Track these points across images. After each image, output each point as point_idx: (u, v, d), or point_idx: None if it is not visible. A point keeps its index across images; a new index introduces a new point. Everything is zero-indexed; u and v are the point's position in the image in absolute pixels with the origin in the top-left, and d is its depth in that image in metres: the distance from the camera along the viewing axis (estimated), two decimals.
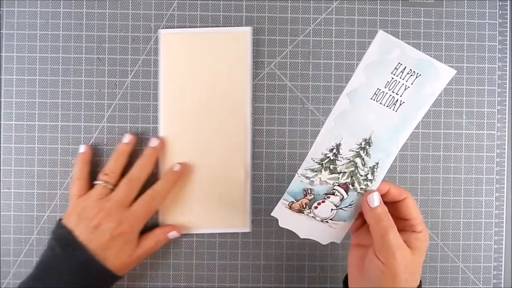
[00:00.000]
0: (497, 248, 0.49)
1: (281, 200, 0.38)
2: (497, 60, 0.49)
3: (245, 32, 0.47)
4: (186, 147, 0.46)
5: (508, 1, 0.49)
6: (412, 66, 0.34)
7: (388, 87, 0.34)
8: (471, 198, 0.49)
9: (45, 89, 0.47)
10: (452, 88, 0.49)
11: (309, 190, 0.37)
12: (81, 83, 0.48)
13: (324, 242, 0.39)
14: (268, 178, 0.48)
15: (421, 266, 0.37)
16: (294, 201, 0.37)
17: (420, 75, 0.34)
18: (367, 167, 0.36)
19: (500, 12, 0.49)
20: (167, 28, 0.48)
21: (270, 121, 0.48)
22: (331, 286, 0.48)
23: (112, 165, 0.44)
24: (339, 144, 0.35)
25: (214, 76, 0.47)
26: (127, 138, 0.45)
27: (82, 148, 0.46)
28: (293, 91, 0.48)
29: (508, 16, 0.49)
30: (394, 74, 0.34)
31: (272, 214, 0.38)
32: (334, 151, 0.35)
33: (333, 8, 0.48)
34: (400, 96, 0.34)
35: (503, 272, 0.49)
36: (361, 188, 0.36)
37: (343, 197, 0.37)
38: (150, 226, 0.46)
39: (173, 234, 0.45)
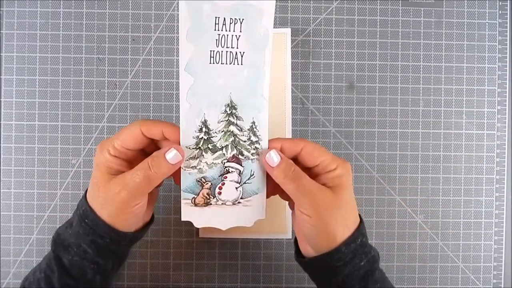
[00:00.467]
0: (497, 248, 0.49)
1: (182, 201, 0.35)
2: (497, 60, 0.49)
3: (284, 33, 0.47)
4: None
5: (508, 1, 0.49)
6: (230, 14, 0.32)
7: (220, 45, 0.32)
8: (471, 198, 0.49)
9: (45, 89, 0.47)
10: (452, 88, 0.49)
11: (202, 179, 0.34)
12: (81, 83, 0.48)
13: (249, 224, 0.36)
14: None
15: (351, 202, 0.34)
16: (195, 196, 0.35)
17: (243, 19, 0.32)
18: (245, 130, 0.34)
19: (500, 12, 0.49)
20: (167, 28, 0.48)
21: None
22: None
23: None
24: (205, 121, 0.33)
25: None
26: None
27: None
28: (293, 91, 0.48)
29: (508, 16, 0.49)
30: (218, 30, 0.32)
31: (182, 219, 0.35)
32: (204, 129, 0.33)
33: (333, 8, 0.48)
34: (237, 48, 0.32)
35: (503, 272, 0.49)
36: (252, 154, 0.34)
37: (240, 171, 0.34)
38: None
39: (173, 153, 0.32)
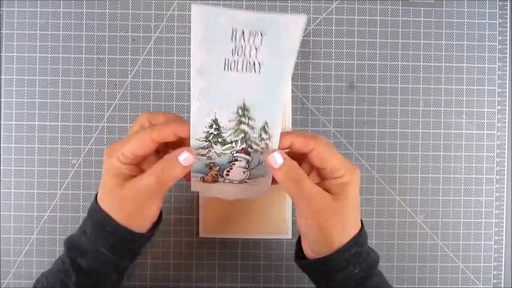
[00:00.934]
0: (497, 248, 0.49)
1: (192, 176, 0.35)
2: (497, 60, 0.49)
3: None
4: None
5: (508, 1, 0.49)
6: (250, 27, 0.29)
7: (236, 54, 0.30)
8: (471, 198, 0.49)
9: (45, 89, 0.47)
10: (452, 88, 0.49)
11: (211, 164, 0.34)
12: (81, 83, 0.48)
13: (255, 196, 0.37)
14: None
15: (352, 211, 0.33)
16: (204, 175, 0.35)
17: (264, 33, 0.29)
18: (256, 129, 0.32)
19: (500, 12, 0.49)
20: (167, 28, 0.48)
21: None
22: None
23: None
24: (216, 119, 0.32)
25: None
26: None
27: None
28: (293, 91, 0.48)
29: (508, 16, 0.49)
30: (235, 41, 0.29)
31: (192, 190, 0.37)
32: (214, 126, 0.32)
33: (333, 8, 0.48)
34: (256, 58, 0.30)
35: (503, 272, 0.49)
36: (261, 148, 0.33)
37: (248, 160, 0.34)
38: None
39: (185, 156, 0.32)
